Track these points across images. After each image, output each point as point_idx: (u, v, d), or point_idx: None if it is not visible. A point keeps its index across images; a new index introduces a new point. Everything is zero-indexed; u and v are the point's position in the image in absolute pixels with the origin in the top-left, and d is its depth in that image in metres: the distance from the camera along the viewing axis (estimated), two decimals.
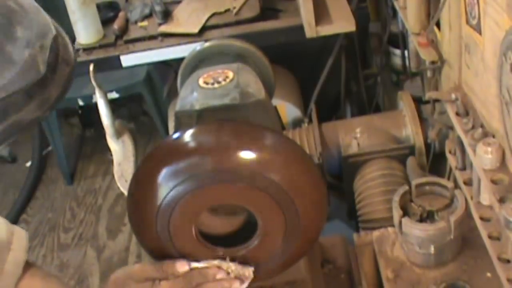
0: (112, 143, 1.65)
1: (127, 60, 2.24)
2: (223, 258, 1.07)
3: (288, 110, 2.36)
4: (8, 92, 0.67)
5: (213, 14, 2.28)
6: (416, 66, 1.72)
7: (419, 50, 1.51)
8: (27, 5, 0.75)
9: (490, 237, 1.18)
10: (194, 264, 1.07)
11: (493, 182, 1.11)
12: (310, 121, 2.09)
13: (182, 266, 1.06)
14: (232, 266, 1.07)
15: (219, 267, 1.06)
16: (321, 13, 1.99)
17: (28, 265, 1.11)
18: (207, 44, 1.38)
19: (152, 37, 2.26)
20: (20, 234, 1.11)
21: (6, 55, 0.68)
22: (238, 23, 2.24)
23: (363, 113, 2.42)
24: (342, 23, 1.98)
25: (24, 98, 0.69)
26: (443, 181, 1.38)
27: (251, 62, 1.31)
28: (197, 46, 1.39)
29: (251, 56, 1.34)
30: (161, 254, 1.09)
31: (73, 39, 2.31)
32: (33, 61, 0.70)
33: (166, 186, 1.01)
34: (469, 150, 1.21)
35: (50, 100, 0.72)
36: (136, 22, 2.35)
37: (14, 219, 3.05)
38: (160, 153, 1.07)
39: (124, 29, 2.32)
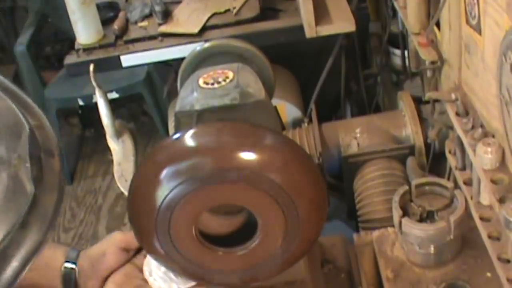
0: (112, 143, 1.65)
1: (127, 60, 2.23)
2: None
3: (288, 110, 2.36)
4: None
5: (213, 14, 2.28)
6: (416, 66, 1.72)
7: (419, 50, 1.51)
8: None
9: (490, 237, 1.18)
10: None
11: (493, 182, 1.11)
12: (310, 121, 2.09)
13: None
14: None
15: None
16: (321, 13, 1.99)
17: None
18: (207, 44, 1.38)
19: (152, 37, 2.25)
20: None
21: None
22: (238, 23, 2.24)
23: (363, 113, 2.42)
24: (342, 23, 1.98)
25: (19, 232, 0.58)
26: (443, 181, 1.38)
27: (251, 62, 1.31)
28: (197, 46, 1.39)
29: (251, 56, 1.34)
30: (161, 254, 1.09)
31: (73, 39, 2.31)
32: (15, 183, 0.58)
33: (166, 186, 1.01)
34: (469, 150, 1.21)
35: (48, 216, 0.61)
36: (136, 22, 2.35)
37: None
38: (160, 154, 1.07)
39: (124, 29, 2.32)
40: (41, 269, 1.11)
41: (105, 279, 1.14)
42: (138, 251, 1.17)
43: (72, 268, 1.13)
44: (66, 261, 1.13)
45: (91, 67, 1.55)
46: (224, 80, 1.16)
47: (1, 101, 0.64)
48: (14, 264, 0.57)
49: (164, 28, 2.25)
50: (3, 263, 0.57)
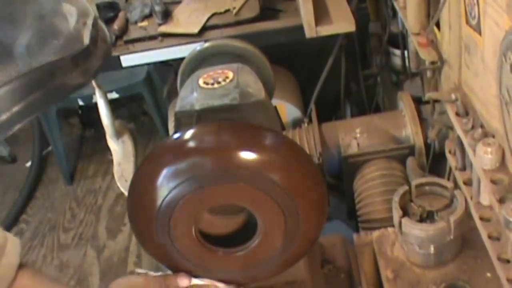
0: (112, 143, 1.65)
1: (127, 60, 2.24)
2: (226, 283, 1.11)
3: (288, 110, 2.36)
4: (56, 57, 0.77)
5: (213, 14, 2.28)
6: (416, 66, 1.72)
7: (419, 50, 1.51)
8: None
9: (490, 237, 1.18)
10: (195, 281, 1.10)
11: (493, 182, 1.11)
12: (310, 121, 2.09)
13: (183, 281, 1.09)
14: None
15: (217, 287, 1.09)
16: (321, 13, 1.99)
17: (21, 267, 1.12)
18: (207, 44, 1.38)
19: (152, 37, 2.26)
20: (13, 240, 1.12)
21: (54, 26, 0.79)
22: (238, 23, 2.24)
23: (363, 113, 2.42)
24: (342, 23, 1.98)
25: (70, 64, 0.79)
26: (443, 181, 1.38)
27: (251, 62, 1.31)
28: (197, 46, 1.39)
29: (251, 56, 1.34)
30: (161, 254, 1.09)
31: None
32: (77, 33, 0.81)
33: (166, 186, 1.01)
34: (469, 150, 1.21)
35: (91, 70, 0.82)
36: (136, 22, 2.35)
37: (14, 219, 3.05)
38: (160, 154, 1.07)
39: (124, 29, 2.32)
40: None
41: None
42: None
43: None
44: None
45: None
46: (224, 80, 1.16)
47: None
48: (53, 84, 0.78)
49: (164, 28, 2.25)
50: (50, 77, 0.77)
